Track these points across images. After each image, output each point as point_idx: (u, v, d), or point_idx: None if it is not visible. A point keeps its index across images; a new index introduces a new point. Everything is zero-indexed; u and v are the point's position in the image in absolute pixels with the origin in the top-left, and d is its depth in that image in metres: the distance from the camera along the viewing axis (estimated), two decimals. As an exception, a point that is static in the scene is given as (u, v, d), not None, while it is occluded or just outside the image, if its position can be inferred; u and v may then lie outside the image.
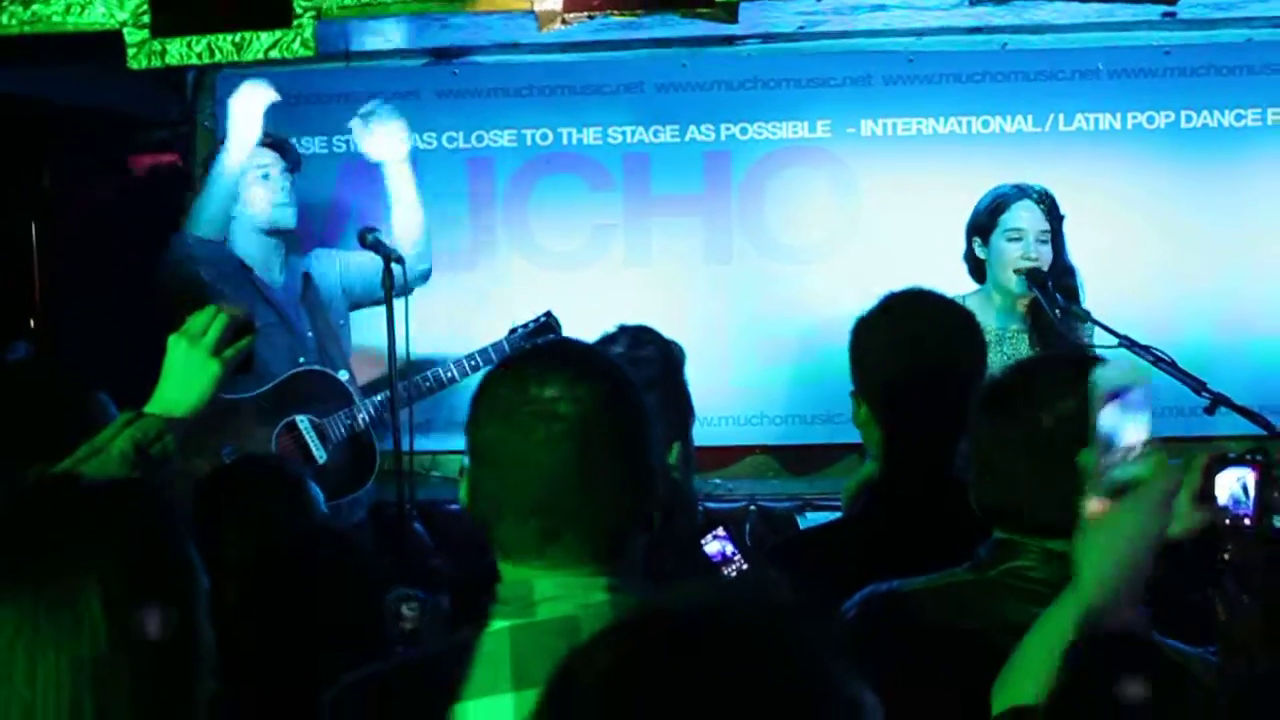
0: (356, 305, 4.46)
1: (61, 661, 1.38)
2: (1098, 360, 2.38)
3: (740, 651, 1.03)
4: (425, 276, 4.48)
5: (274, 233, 4.27)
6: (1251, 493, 1.94)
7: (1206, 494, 1.92)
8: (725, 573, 2.80)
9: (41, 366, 2.86)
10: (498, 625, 1.65)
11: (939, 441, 2.50)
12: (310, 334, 4.28)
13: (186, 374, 2.10)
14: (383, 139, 4.33)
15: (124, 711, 1.39)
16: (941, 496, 2.44)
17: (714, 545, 2.84)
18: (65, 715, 1.38)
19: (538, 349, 1.75)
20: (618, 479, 1.65)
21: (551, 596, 1.64)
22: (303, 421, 4.19)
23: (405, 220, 4.40)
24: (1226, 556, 1.94)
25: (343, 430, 4.21)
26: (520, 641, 1.63)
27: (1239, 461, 1.96)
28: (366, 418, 4.22)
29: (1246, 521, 1.93)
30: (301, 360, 4.23)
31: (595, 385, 1.65)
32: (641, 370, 2.63)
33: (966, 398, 2.44)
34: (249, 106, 4.16)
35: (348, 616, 2.17)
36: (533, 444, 1.62)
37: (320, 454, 4.19)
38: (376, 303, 4.16)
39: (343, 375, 4.29)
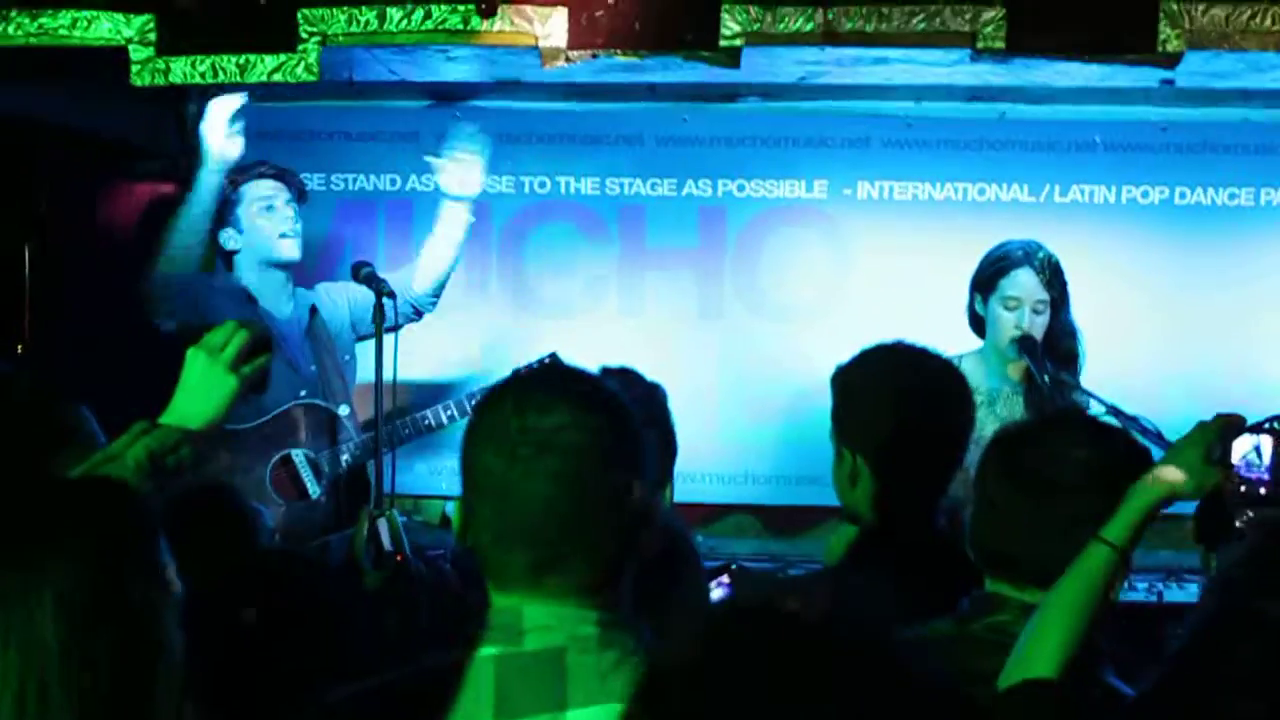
0: (362, 337, 4.40)
1: (10, 654, 1.35)
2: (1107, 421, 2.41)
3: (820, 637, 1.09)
4: (427, 310, 4.48)
5: (279, 265, 4.24)
6: (1266, 459, 1.98)
7: (1222, 456, 1.95)
8: None
9: (16, 381, 2.83)
10: (484, 652, 1.62)
11: (928, 493, 2.50)
12: (314, 368, 4.24)
13: (204, 387, 2.10)
14: (470, 171, 4.32)
15: (71, 712, 1.36)
16: (929, 547, 2.44)
17: (717, 593, 2.83)
18: (7, 707, 1.34)
19: (538, 375, 1.73)
20: (615, 511, 1.62)
21: (541, 626, 1.61)
22: (298, 455, 4.17)
23: (441, 256, 4.40)
24: (1241, 524, 1.97)
25: (338, 465, 4.18)
26: (505, 670, 1.60)
27: (1256, 429, 2.00)
28: (360, 454, 4.18)
29: (1261, 489, 1.96)
30: (303, 394, 4.20)
31: (598, 416, 1.63)
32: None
33: (953, 448, 2.45)
34: (219, 118, 3.99)
35: (316, 640, 2.15)
36: (533, 474, 1.60)
37: (314, 488, 4.16)
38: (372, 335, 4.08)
39: (343, 410, 4.26)
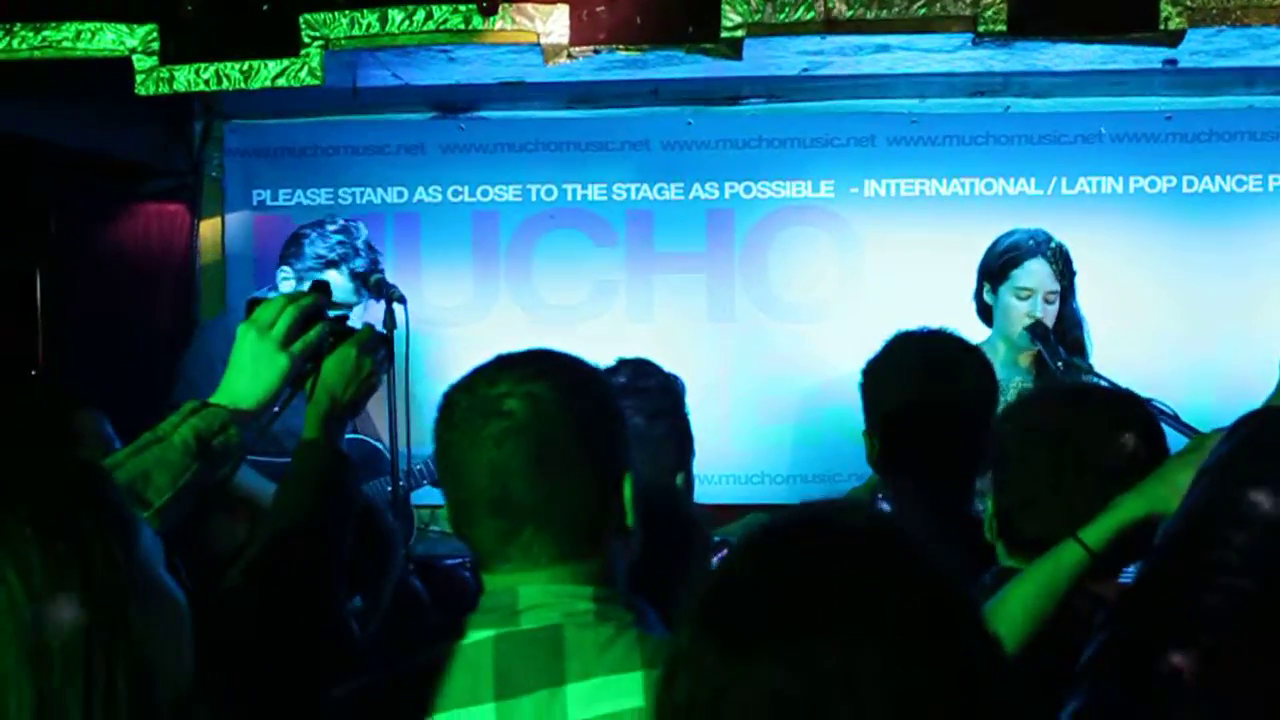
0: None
1: None
2: (1131, 395, 2.36)
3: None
4: None
5: None
6: None
7: None
8: None
9: (32, 388, 2.83)
10: (480, 635, 1.63)
11: (947, 474, 2.48)
12: None
13: (254, 366, 2.01)
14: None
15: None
16: (950, 529, 2.41)
17: None
18: None
19: (502, 356, 1.70)
20: (576, 473, 1.62)
21: (536, 604, 1.62)
22: None
23: None
24: None
25: (385, 496, 4.18)
26: (504, 651, 1.61)
27: None
28: (406, 485, 4.15)
29: None
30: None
31: (547, 381, 1.63)
32: (646, 401, 2.63)
33: (977, 431, 2.43)
34: None
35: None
36: (480, 441, 1.61)
37: None
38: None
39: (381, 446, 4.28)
